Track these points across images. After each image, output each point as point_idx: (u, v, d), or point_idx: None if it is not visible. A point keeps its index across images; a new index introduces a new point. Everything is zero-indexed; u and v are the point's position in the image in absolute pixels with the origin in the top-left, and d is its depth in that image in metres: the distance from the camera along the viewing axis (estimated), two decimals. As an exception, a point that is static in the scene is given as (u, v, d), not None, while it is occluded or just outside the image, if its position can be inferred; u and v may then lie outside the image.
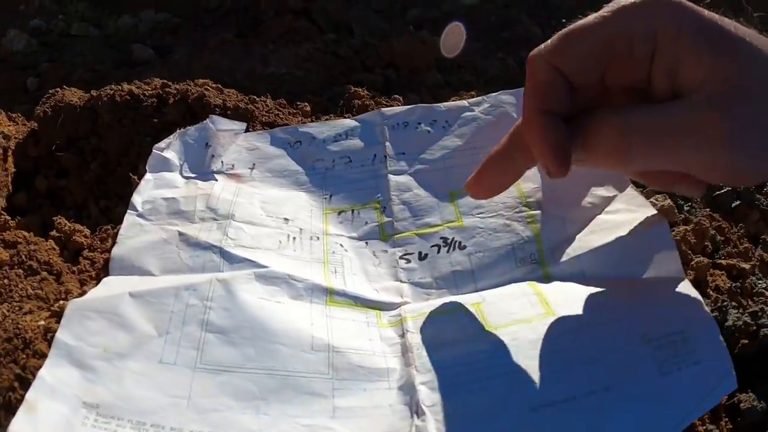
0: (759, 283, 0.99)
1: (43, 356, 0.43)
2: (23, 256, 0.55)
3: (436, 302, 0.48)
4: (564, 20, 1.66)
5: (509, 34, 1.37)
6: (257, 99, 0.80)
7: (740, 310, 0.74)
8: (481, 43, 1.29)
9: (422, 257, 0.52)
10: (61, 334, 0.40)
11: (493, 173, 0.39)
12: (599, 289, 0.49)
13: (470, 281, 0.50)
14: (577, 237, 0.53)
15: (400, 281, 0.51)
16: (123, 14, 1.48)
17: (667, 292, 0.50)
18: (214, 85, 0.85)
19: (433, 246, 0.52)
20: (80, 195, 0.74)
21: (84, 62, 1.27)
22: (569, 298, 0.48)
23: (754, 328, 0.73)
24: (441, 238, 0.53)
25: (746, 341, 0.71)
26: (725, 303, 0.73)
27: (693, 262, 0.86)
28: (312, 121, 0.77)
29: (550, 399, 0.39)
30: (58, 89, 0.83)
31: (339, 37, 1.16)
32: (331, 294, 0.47)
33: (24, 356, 0.43)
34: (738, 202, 1.14)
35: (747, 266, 0.92)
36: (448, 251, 0.51)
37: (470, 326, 0.44)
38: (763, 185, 1.32)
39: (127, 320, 0.41)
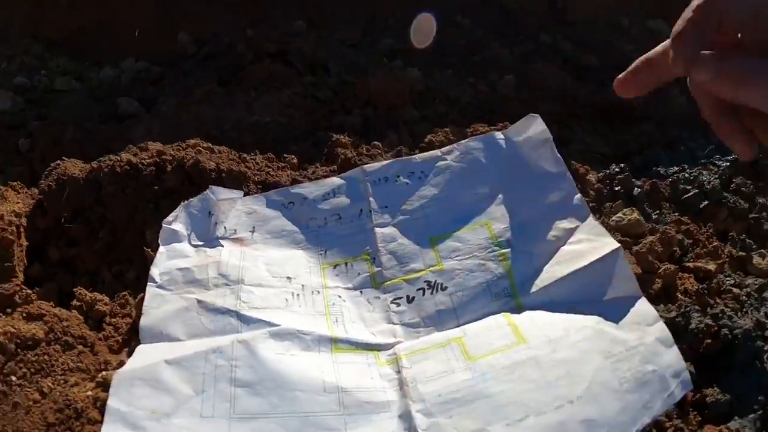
0: (727, 281, 1.10)
1: (97, 423, 0.53)
2: (58, 333, 0.64)
3: (425, 339, 0.59)
4: (528, 37, 1.78)
5: (479, 57, 1.48)
6: (247, 158, 0.90)
7: (703, 313, 0.85)
8: (452, 69, 1.40)
9: (410, 300, 0.62)
10: (112, 402, 0.49)
11: (642, 73, 0.44)
12: (565, 315, 0.59)
13: (453, 318, 0.60)
14: (545, 269, 0.64)
15: (393, 323, 0.61)
16: (104, 65, 1.58)
17: (626, 310, 0.61)
18: (205, 145, 0.94)
19: (418, 289, 0.63)
20: (92, 262, 0.83)
21: (72, 118, 1.36)
22: (539, 325, 0.58)
23: (716, 328, 0.84)
24: (425, 281, 0.63)
25: (710, 341, 0.82)
26: (688, 308, 0.84)
27: (660, 270, 0.97)
28: (299, 173, 0.87)
29: (523, 414, 0.49)
30: (59, 162, 0.92)
31: (317, 79, 1.27)
32: (335, 342, 0.58)
33: (78, 424, 0.53)
34: (706, 203, 1.26)
35: (713, 267, 1.03)
36: (432, 293, 0.62)
37: (454, 359, 0.54)
38: (730, 183, 1.44)
39: (167, 384, 0.50)
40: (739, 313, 0.87)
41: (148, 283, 0.65)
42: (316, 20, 1.55)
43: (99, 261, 0.83)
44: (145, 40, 1.57)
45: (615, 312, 0.60)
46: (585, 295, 0.62)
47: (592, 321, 0.59)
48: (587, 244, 0.66)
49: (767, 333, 0.97)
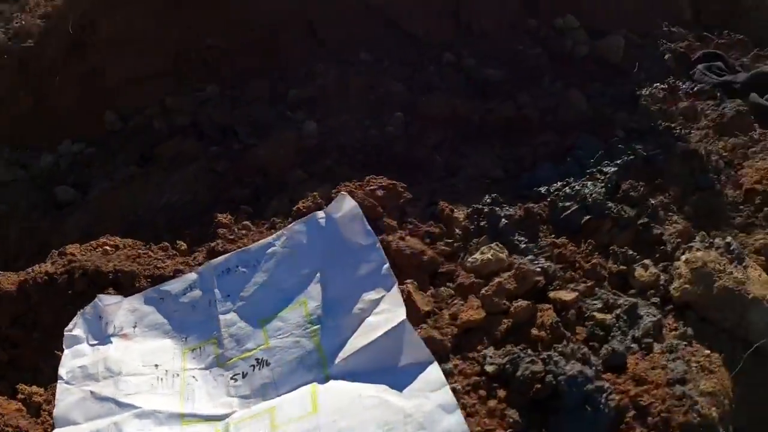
0: (593, 305, 1.22)
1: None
2: (1, 425, 0.95)
3: (252, 409, 0.85)
4: (432, 60, 2.00)
5: (374, 95, 1.70)
6: (141, 252, 1.18)
7: (533, 358, 1.01)
8: (349, 115, 1.63)
9: (245, 376, 0.89)
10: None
11: None
12: (358, 384, 0.83)
13: (274, 390, 0.87)
14: (349, 341, 0.88)
15: (231, 396, 0.88)
16: (43, 151, 1.88)
17: (414, 376, 0.82)
18: (111, 242, 1.23)
19: (250, 366, 0.89)
20: (33, 359, 1.14)
21: (17, 211, 1.68)
22: (334, 395, 0.82)
23: (543, 374, 0.99)
24: (255, 359, 0.90)
25: (539, 386, 0.99)
26: (516, 354, 1.02)
27: (511, 308, 1.12)
28: (185, 259, 1.15)
29: None
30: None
31: (220, 149, 1.52)
32: (183, 417, 0.85)
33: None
34: (588, 217, 1.41)
35: (570, 297, 1.16)
36: (259, 369, 0.88)
37: (263, 428, 0.81)
38: (617, 190, 1.60)
39: None
40: (568, 358, 1.02)
41: (58, 381, 0.94)
42: (229, 79, 1.81)
43: (37, 357, 1.14)
44: (78, 120, 1.87)
45: (403, 379, 0.82)
46: (380, 363, 0.85)
47: (378, 390, 0.82)
48: (388, 314, 0.89)
49: (632, 358, 1.07)
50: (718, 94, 1.84)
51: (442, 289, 1.13)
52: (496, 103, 1.68)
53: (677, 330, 1.19)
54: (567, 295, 1.18)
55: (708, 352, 1.14)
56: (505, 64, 1.85)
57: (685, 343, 1.16)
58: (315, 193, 1.27)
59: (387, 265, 0.94)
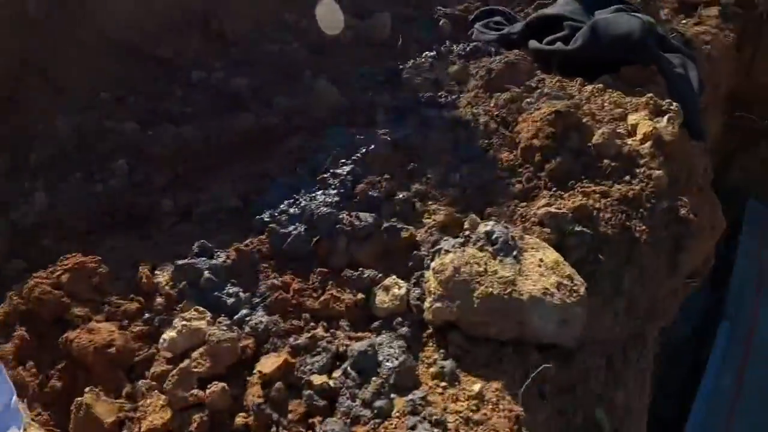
0: (312, 364, 0.94)
1: None
2: None
3: None
4: (181, 84, 1.94)
5: (107, 143, 1.64)
6: None
7: None
8: (81, 172, 1.58)
9: None
10: None
11: None
12: None
13: None
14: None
15: None
16: None
17: None
18: None
19: None
20: None
21: None
22: None
23: None
24: None
25: None
26: None
27: (205, 396, 0.92)
28: None
29: None
30: None
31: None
32: None
33: None
34: (316, 238, 1.19)
35: (273, 367, 0.93)
36: None
37: None
38: (355, 186, 1.45)
39: None
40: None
41: None
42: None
43: None
44: None
45: None
46: None
47: None
48: None
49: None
50: (493, 50, 1.78)
51: (141, 383, 1.01)
52: (239, 117, 1.61)
53: (435, 365, 1.02)
54: (270, 364, 1.01)
55: (477, 388, 0.99)
56: (261, 68, 1.79)
57: (444, 384, 0.99)
58: (11, 293, 1.19)
59: (15, 398, 0.90)
